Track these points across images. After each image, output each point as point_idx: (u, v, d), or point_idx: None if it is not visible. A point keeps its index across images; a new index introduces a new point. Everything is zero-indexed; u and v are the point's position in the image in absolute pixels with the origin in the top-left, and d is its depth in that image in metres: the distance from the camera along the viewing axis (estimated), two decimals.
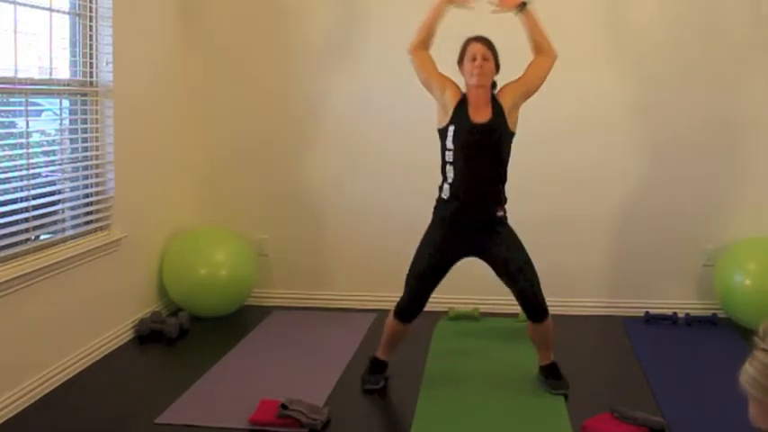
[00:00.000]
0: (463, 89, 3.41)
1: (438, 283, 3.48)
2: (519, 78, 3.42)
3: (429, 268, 3.44)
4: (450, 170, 3.39)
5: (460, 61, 3.40)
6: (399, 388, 3.55)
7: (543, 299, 3.44)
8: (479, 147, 3.34)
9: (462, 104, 3.36)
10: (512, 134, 3.41)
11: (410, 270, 3.49)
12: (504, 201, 3.45)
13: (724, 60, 4.40)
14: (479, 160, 3.35)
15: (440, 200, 3.46)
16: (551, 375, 3.52)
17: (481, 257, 3.47)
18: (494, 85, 3.42)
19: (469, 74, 3.34)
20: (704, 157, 4.49)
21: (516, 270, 3.40)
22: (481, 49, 3.33)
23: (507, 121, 3.37)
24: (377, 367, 3.60)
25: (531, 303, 3.43)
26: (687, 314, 4.47)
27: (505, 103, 3.38)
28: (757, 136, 4.44)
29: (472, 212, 3.39)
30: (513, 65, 3.41)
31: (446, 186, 3.42)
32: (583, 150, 4.56)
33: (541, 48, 3.42)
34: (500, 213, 3.43)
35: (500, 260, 3.42)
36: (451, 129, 3.35)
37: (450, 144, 3.36)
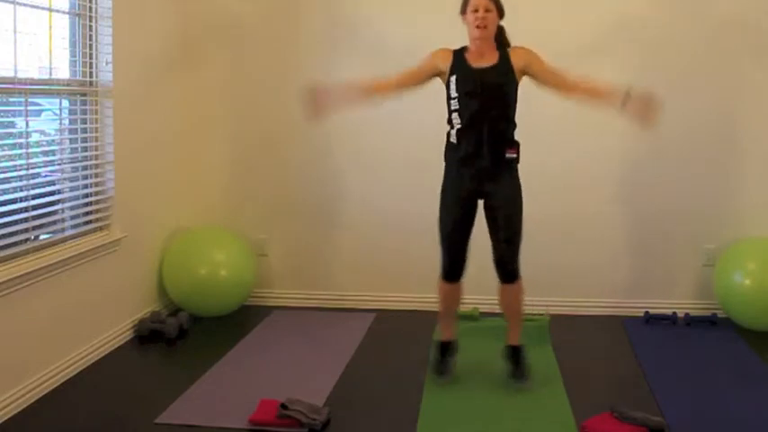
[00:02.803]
0: (453, 46, 3.44)
1: (470, 231, 3.49)
2: (541, 62, 3.42)
3: (456, 224, 3.48)
4: (456, 117, 3.42)
5: (463, 11, 3.41)
6: (399, 388, 3.54)
7: (518, 262, 3.47)
8: (484, 90, 3.36)
9: (459, 56, 3.41)
10: (516, 83, 3.42)
11: (440, 231, 3.52)
12: (515, 144, 3.45)
13: (724, 59, 4.40)
14: (485, 103, 3.36)
15: (449, 145, 3.50)
16: (513, 360, 3.55)
17: (485, 200, 3.47)
18: (501, 30, 3.44)
19: (472, 26, 3.36)
20: (704, 156, 4.48)
21: (503, 223, 3.43)
22: (483, 1, 3.34)
23: (514, 69, 3.39)
24: (445, 350, 3.64)
25: (504, 260, 3.47)
26: (687, 314, 4.47)
27: (516, 61, 3.39)
28: (757, 136, 4.43)
29: (481, 153, 3.39)
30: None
31: (453, 132, 3.45)
32: (582, 150, 4.55)
33: (581, 89, 3.45)
34: (511, 154, 3.43)
35: (494, 207, 3.45)
36: (453, 78, 3.39)
37: (453, 93, 3.39)
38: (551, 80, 3.44)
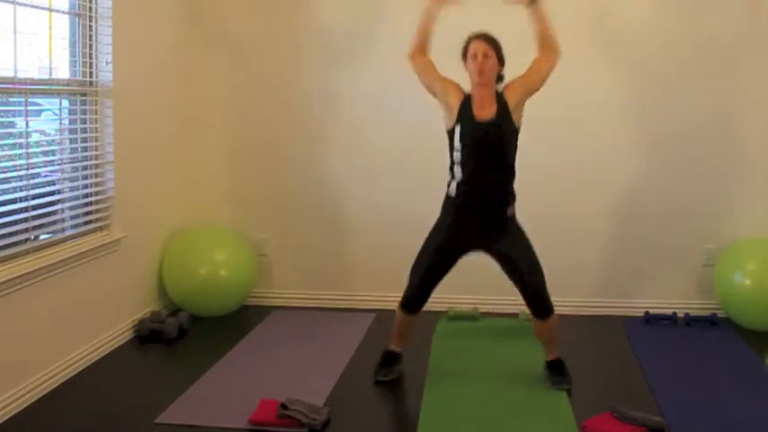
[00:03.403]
0: (466, 87, 3.43)
1: (443, 276, 3.51)
2: (524, 75, 3.43)
3: (435, 262, 3.48)
4: (457, 169, 3.41)
5: (464, 57, 3.41)
6: (399, 387, 3.55)
7: (548, 296, 3.47)
8: (485, 144, 3.36)
9: (466, 103, 3.39)
10: (517, 130, 3.43)
11: (416, 262, 3.52)
12: (513, 198, 3.47)
13: (724, 59, 4.40)
14: (486, 157, 3.37)
15: (448, 197, 3.49)
16: (555, 371, 3.56)
17: (489, 253, 3.49)
18: (500, 78, 3.44)
19: (472, 72, 3.37)
20: (704, 156, 4.48)
21: (524, 266, 3.43)
22: (482, 47, 3.34)
23: (512, 117, 3.38)
24: (388, 359, 3.64)
25: (536, 301, 3.46)
26: (687, 314, 4.47)
27: (510, 99, 3.39)
28: (757, 136, 4.43)
29: (480, 210, 3.41)
30: (521, 61, 3.42)
31: (454, 184, 3.44)
32: (582, 150, 4.55)
33: (547, 44, 3.45)
34: (510, 212, 3.45)
35: (508, 258, 3.45)
36: (458, 129, 3.38)
37: (457, 144, 3.38)
38: (536, 68, 3.43)
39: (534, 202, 4.43)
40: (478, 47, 3.34)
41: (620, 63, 4.47)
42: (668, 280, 4.59)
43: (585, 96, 4.51)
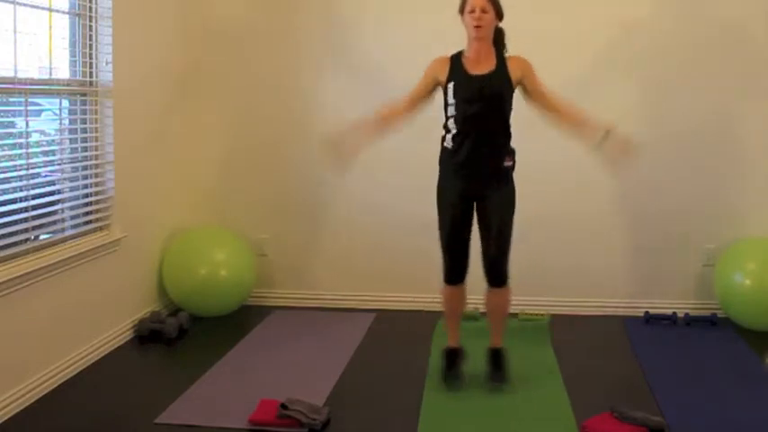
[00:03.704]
0: (449, 52, 3.44)
1: (469, 233, 3.49)
2: (535, 77, 3.43)
3: (454, 226, 3.47)
4: (452, 123, 3.41)
5: (461, 11, 3.41)
6: (398, 387, 3.55)
7: (507, 266, 3.48)
8: (481, 97, 3.36)
9: (456, 62, 3.40)
10: (513, 89, 3.42)
11: (440, 235, 3.52)
12: (511, 152, 3.46)
13: (724, 59, 4.40)
14: (482, 111, 3.36)
15: (444, 150, 3.49)
16: (495, 364, 3.56)
17: (479, 203, 3.47)
18: (499, 32, 3.43)
19: (469, 26, 3.36)
20: (704, 156, 4.48)
21: (496, 228, 3.43)
22: (480, 2, 3.33)
23: (511, 77, 3.38)
24: (453, 358, 3.62)
25: (494, 266, 3.47)
26: (687, 314, 4.47)
27: (513, 70, 3.39)
28: (757, 136, 4.43)
29: (477, 160, 3.40)
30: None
31: (449, 137, 3.44)
32: (582, 150, 4.54)
33: (558, 113, 3.47)
34: (507, 163, 3.45)
35: (487, 211, 3.44)
36: (451, 85, 3.39)
37: (451, 99, 3.39)
38: (540, 99, 3.45)
39: (535, 202, 4.44)
40: (476, 1, 3.33)
41: (620, 63, 4.46)
42: (668, 280, 4.59)
43: (586, 97, 4.48)
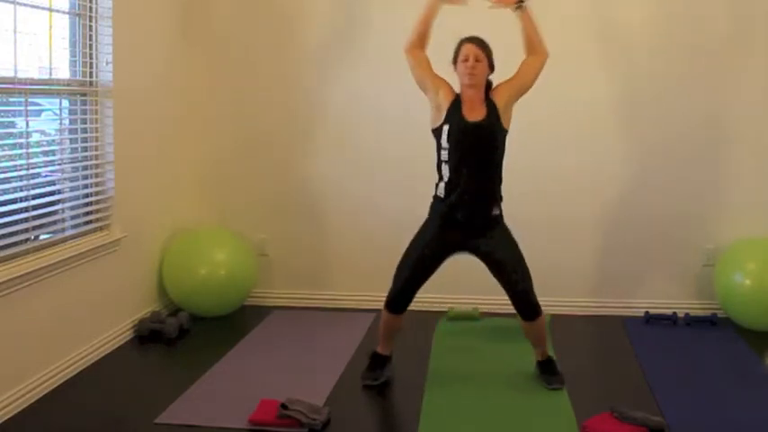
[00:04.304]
0: (457, 89, 3.44)
1: (428, 277, 3.51)
2: (512, 77, 3.45)
3: (420, 261, 3.48)
4: (445, 169, 3.42)
5: (455, 61, 3.42)
6: (398, 387, 3.55)
7: (535, 297, 3.47)
8: (474, 145, 3.37)
9: (456, 104, 3.40)
10: (505, 132, 3.43)
11: (401, 262, 3.52)
12: (500, 199, 3.47)
13: (721, 61, 4.40)
14: (474, 159, 3.38)
15: (436, 198, 3.50)
16: (547, 371, 3.56)
17: (475, 255, 3.49)
18: (489, 84, 3.45)
19: (462, 74, 3.38)
20: (704, 157, 4.48)
21: (510, 269, 3.43)
22: (474, 50, 3.35)
23: (501, 120, 3.39)
24: (376, 362, 3.63)
25: (523, 302, 3.46)
26: (687, 314, 4.47)
27: (499, 101, 3.40)
28: (756, 136, 4.43)
29: (467, 210, 3.41)
30: (510, 62, 3.43)
31: (442, 185, 3.44)
32: (583, 151, 4.55)
33: (534, 47, 3.46)
34: (495, 212, 3.45)
35: (494, 258, 3.45)
36: (446, 128, 3.38)
37: (444, 143, 3.39)
38: (523, 70, 3.44)
39: (535, 203, 4.47)
40: (470, 50, 3.35)
41: (618, 65, 4.47)
42: (668, 280, 4.59)
43: (586, 98, 4.51)
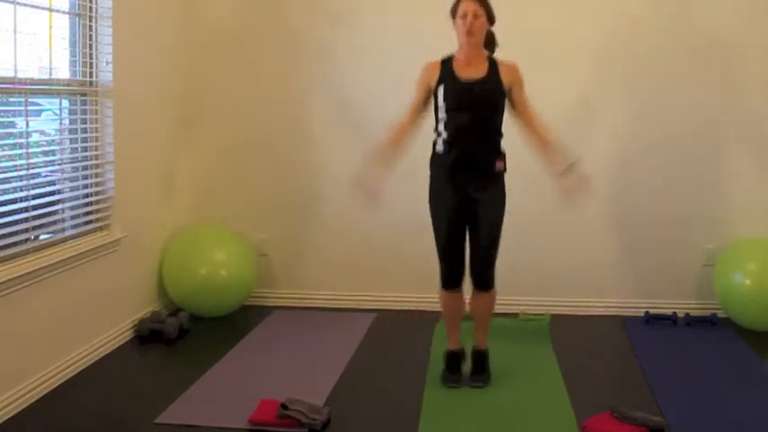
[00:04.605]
0: (436, 57, 3.42)
1: (464, 237, 3.47)
2: (521, 88, 3.42)
3: (449, 230, 3.46)
4: (442, 126, 3.40)
5: (453, 16, 3.39)
6: (398, 387, 3.55)
7: (493, 271, 3.47)
8: (472, 103, 3.35)
9: (447, 66, 3.38)
10: (504, 92, 3.40)
11: (435, 240, 3.50)
12: (502, 155, 3.45)
13: (723, 61, 4.40)
14: (473, 116, 3.35)
15: (435, 155, 3.48)
16: (477, 364, 3.56)
17: (471, 207, 3.45)
18: (491, 36, 3.42)
19: (461, 31, 3.35)
20: (704, 157, 4.48)
21: (485, 232, 3.42)
22: (472, 6, 3.32)
23: (502, 81, 3.37)
24: (453, 361, 3.60)
25: (480, 265, 3.47)
26: (687, 314, 4.47)
27: (504, 75, 3.38)
28: (756, 136, 4.43)
29: (469, 163, 3.39)
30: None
31: (440, 141, 3.43)
32: (583, 152, 4.52)
33: (534, 133, 3.47)
34: (498, 167, 3.43)
35: (478, 216, 3.43)
36: (441, 88, 3.37)
37: (441, 103, 3.37)
38: (521, 113, 3.45)
39: (535, 202, 4.46)
40: (468, 6, 3.32)
41: (618, 65, 4.46)
42: (668, 280, 4.59)
43: (586, 98, 4.51)
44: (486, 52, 3.42)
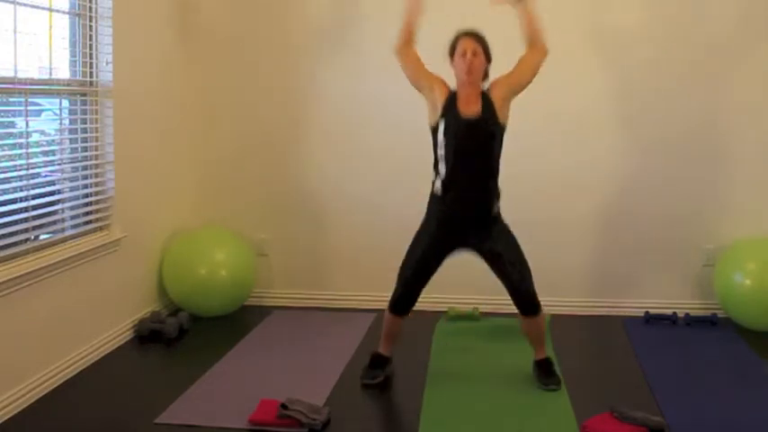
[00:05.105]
0: (451, 85, 3.43)
1: (431, 276, 3.51)
2: (510, 73, 3.43)
3: (423, 262, 3.47)
4: (442, 166, 3.40)
5: (451, 55, 3.40)
6: (398, 387, 3.55)
7: (535, 293, 3.47)
8: (470, 141, 3.35)
9: (452, 100, 3.38)
10: (503, 128, 3.41)
11: (403, 263, 3.52)
12: (498, 196, 3.46)
13: (721, 60, 4.40)
14: (471, 155, 3.36)
15: (433, 196, 3.49)
16: (544, 371, 3.55)
17: (475, 252, 3.48)
18: (486, 75, 3.44)
19: (460, 70, 3.36)
20: (704, 157, 4.48)
21: (510, 266, 3.42)
22: (471, 45, 3.34)
23: (498, 115, 3.37)
24: (377, 362, 3.63)
25: (523, 298, 3.46)
26: (687, 314, 4.47)
27: (496, 97, 3.38)
28: (756, 136, 4.43)
29: (466, 208, 3.41)
30: (508, 57, 3.43)
31: (438, 182, 3.44)
32: (583, 151, 4.55)
33: (533, 42, 3.44)
34: (495, 209, 3.44)
35: (494, 255, 3.44)
36: (442, 124, 3.37)
37: (441, 139, 3.38)
38: (522, 66, 3.42)
39: (535, 203, 4.46)
40: (467, 44, 3.33)
41: (618, 65, 4.46)
42: (668, 280, 4.59)
43: (585, 98, 4.51)
44: (480, 89, 3.41)
